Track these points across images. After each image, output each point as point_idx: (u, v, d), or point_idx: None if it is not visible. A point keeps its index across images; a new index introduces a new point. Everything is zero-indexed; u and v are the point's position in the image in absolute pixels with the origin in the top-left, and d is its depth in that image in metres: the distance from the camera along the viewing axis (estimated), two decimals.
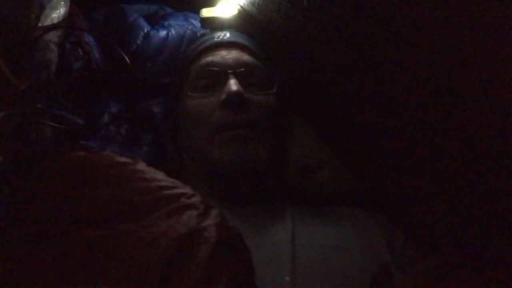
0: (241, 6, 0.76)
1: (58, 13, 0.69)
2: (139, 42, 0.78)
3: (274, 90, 0.74)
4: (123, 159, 0.51)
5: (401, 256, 0.61)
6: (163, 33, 0.80)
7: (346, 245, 0.62)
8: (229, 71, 0.70)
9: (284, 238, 0.62)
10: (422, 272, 0.48)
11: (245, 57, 0.73)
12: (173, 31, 0.81)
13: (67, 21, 0.72)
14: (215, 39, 0.75)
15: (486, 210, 0.51)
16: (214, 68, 0.71)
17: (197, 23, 0.83)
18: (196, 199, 0.46)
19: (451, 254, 0.52)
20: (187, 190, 0.48)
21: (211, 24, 0.80)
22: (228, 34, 0.76)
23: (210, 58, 0.73)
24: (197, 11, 0.82)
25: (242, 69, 0.71)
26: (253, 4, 0.72)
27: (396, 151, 0.65)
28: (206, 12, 0.79)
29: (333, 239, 0.63)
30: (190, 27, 0.83)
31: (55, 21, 0.68)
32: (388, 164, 0.69)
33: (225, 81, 0.69)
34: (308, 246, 0.61)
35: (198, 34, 0.82)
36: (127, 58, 0.73)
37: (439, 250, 0.57)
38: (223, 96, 0.68)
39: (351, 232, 0.65)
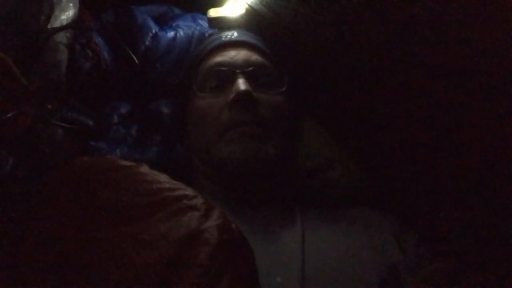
0: (249, 5, 0.76)
1: (67, 14, 0.70)
2: (147, 43, 0.79)
3: (284, 89, 0.73)
4: (126, 163, 0.52)
5: (413, 257, 0.60)
6: (171, 33, 0.81)
7: (357, 248, 0.61)
8: (238, 71, 0.70)
9: (294, 244, 0.61)
10: (432, 274, 0.47)
11: (254, 56, 0.73)
12: (181, 32, 0.81)
13: (77, 23, 0.72)
14: (223, 39, 0.75)
15: (501, 212, 0.50)
16: (223, 68, 0.71)
17: (205, 24, 0.83)
18: (197, 201, 0.46)
19: (464, 256, 0.51)
20: (189, 191, 0.48)
21: (219, 24, 0.80)
22: (236, 34, 0.76)
23: (218, 58, 0.73)
24: (205, 12, 0.82)
25: (251, 69, 0.71)
26: (261, 1, 0.71)
27: (408, 150, 0.64)
28: (213, 12, 0.79)
29: (344, 243, 0.62)
30: (198, 28, 0.83)
31: (65, 22, 0.69)
32: (401, 163, 0.67)
33: (233, 81, 0.69)
34: (318, 251, 0.60)
35: (206, 35, 0.81)
36: (136, 59, 0.73)
37: (452, 252, 0.55)
38: (232, 96, 0.68)
39: (362, 234, 0.64)
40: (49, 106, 0.67)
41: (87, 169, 0.53)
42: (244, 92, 0.67)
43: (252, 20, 0.78)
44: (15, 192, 0.57)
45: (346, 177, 0.73)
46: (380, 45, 0.55)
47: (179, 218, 0.43)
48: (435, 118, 0.55)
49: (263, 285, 0.47)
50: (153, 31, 0.80)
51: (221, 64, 0.72)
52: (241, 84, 0.67)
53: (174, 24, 0.83)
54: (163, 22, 0.85)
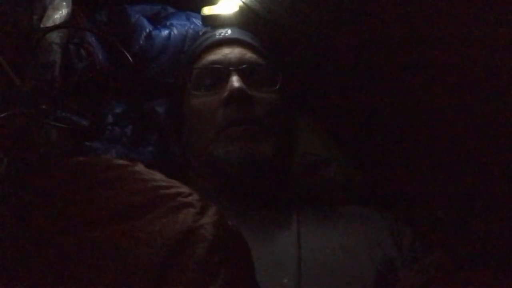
0: (243, 2, 0.76)
1: (60, 14, 0.70)
2: (141, 42, 0.79)
3: (278, 87, 0.73)
4: (121, 162, 0.51)
5: (408, 253, 0.60)
6: (165, 32, 0.80)
7: (353, 246, 0.61)
8: (232, 69, 0.70)
9: (290, 244, 0.60)
10: (428, 266, 0.47)
11: (248, 54, 0.73)
12: (175, 31, 0.81)
13: (70, 22, 0.72)
14: (217, 37, 0.75)
15: (496, 207, 0.50)
16: (217, 66, 0.71)
17: (199, 22, 0.83)
18: (193, 198, 0.46)
19: (459, 250, 0.51)
20: (184, 189, 0.47)
21: (213, 22, 0.79)
22: (229, 31, 0.76)
23: (212, 56, 0.73)
24: (199, 10, 0.82)
25: (245, 66, 0.70)
26: None
27: (403, 147, 0.64)
28: (207, 10, 0.79)
29: (340, 241, 0.62)
30: (192, 26, 0.83)
31: (57, 22, 0.69)
32: (396, 160, 0.67)
33: (227, 79, 0.69)
34: (314, 250, 0.60)
35: (200, 33, 0.81)
36: (130, 58, 0.73)
37: (447, 246, 0.55)
38: (226, 94, 0.67)
39: (358, 231, 0.63)
40: (43, 106, 0.67)
41: (82, 169, 0.52)
42: (238, 90, 0.66)
43: (246, 18, 0.78)
44: (10, 192, 0.57)
45: (342, 175, 0.73)
46: (376, 42, 0.55)
47: (175, 215, 0.43)
48: (431, 116, 0.55)
49: (261, 285, 0.47)
50: (147, 30, 0.80)
51: (215, 62, 0.72)
52: (235, 81, 0.67)
53: (168, 23, 0.83)
54: (157, 21, 0.85)
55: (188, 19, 0.85)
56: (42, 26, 0.67)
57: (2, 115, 0.57)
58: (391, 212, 0.67)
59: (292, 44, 0.75)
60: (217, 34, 0.76)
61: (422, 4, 0.45)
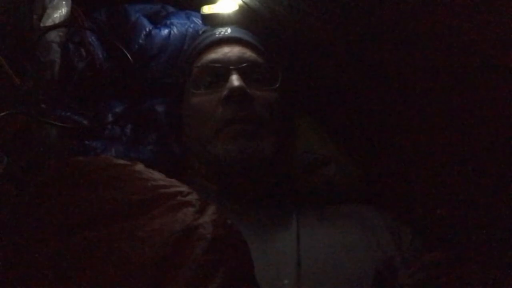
0: (242, 1, 0.76)
1: (60, 13, 0.70)
2: (141, 41, 0.78)
3: (278, 86, 0.73)
4: (121, 161, 0.51)
5: (408, 251, 0.60)
6: (165, 31, 0.80)
7: (352, 245, 0.61)
8: (231, 67, 0.70)
9: (290, 244, 0.60)
10: (427, 265, 0.47)
11: (247, 53, 0.73)
12: (175, 30, 0.81)
13: (69, 21, 0.72)
14: (217, 36, 0.75)
15: (496, 205, 0.50)
16: (217, 65, 0.71)
17: (199, 21, 0.83)
18: (192, 197, 0.46)
19: (458, 248, 0.51)
20: (183, 188, 0.47)
21: (213, 21, 0.79)
22: (229, 30, 0.76)
23: (212, 55, 0.73)
24: (199, 9, 0.81)
25: (245, 65, 0.70)
26: None
27: (403, 146, 0.64)
28: (207, 9, 0.79)
29: (339, 240, 0.62)
30: (192, 25, 0.82)
31: (57, 21, 0.69)
32: (395, 159, 0.67)
33: (227, 78, 0.69)
34: (313, 250, 0.60)
35: (200, 32, 0.81)
36: (130, 57, 0.73)
37: (446, 245, 0.55)
38: (226, 92, 0.67)
39: (357, 231, 0.64)
40: (43, 106, 0.67)
41: (81, 168, 0.53)
42: (238, 88, 0.66)
43: (246, 17, 0.78)
44: (10, 192, 0.57)
45: (341, 174, 0.73)
46: (377, 40, 0.55)
47: (174, 214, 0.43)
48: (431, 115, 0.55)
49: (260, 285, 0.47)
50: (147, 29, 0.80)
51: (215, 61, 0.72)
52: (235, 80, 0.67)
53: (167, 22, 0.83)
54: (157, 20, 0.84)
55: (188, 18, 0.85)
56: (41, 25, 0.67)
57: (2, 114, 0.57)
58: (391, 212, 0.67)
59: (291, 43, 0.75)
60: (217, 33, 0.76)
61: (424, 2, 0.45)
